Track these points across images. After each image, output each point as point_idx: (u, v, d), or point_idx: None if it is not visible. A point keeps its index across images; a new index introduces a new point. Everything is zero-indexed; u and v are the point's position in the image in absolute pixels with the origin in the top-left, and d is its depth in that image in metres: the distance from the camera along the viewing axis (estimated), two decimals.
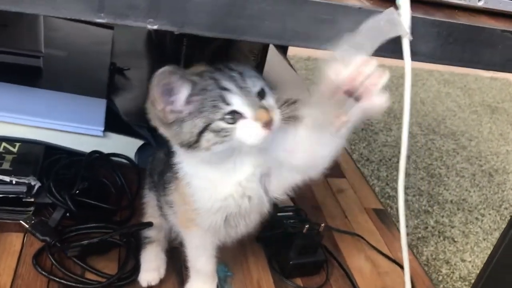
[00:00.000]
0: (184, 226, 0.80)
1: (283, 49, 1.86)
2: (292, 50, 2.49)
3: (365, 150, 1.86)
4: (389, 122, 2.11)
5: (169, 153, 0.74)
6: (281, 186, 0.73)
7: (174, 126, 0.64)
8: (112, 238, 0.88)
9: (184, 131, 0.64)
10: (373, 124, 2.04)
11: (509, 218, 0.74)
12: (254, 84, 0.65)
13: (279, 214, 0.96)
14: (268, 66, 1.36)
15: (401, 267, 1.04)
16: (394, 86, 2.46)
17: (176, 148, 0.71)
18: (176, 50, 1.25)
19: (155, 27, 0.49)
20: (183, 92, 0.63)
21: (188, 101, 0.63)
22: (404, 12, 0.52)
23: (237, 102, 0.63)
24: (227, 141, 0.63)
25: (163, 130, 0.67)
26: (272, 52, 1.57)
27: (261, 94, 0.66)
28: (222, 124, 0.63)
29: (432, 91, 2.53)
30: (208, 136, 0.63)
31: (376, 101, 0.55)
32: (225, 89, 0.63)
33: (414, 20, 0.53)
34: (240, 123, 0.63)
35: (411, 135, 2.04)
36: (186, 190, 0.73)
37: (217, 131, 0.63)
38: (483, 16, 0.58)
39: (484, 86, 2.72)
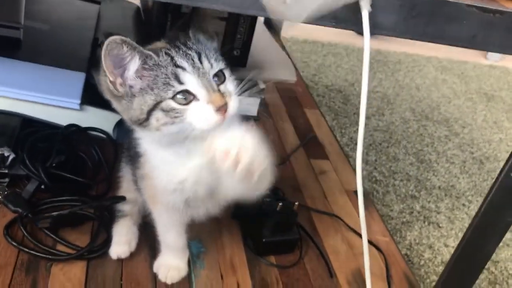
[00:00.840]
0: (150, 202, 0.80)
1: (275, 30, 1.84)
2: (289, 32, 2.47)
3: (355, 134, 1.85)
4: (382, 107, 2.10)
5: None
6: (230, 191, 0.71)
7: (124, 100, 0.63)
8: (84, 211, 0.88)
9: (134, 107, 0.62)
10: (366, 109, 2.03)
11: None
12: (212, 66, 0.63)
13: None
14: (255, 45, 1.35)
15: (378, 249, 1.04)
16: (390, 72, 2.46)
17: (128, 123, 0.69)
18: (161, 26, 1.25)
19: None
20: (133, 64, 0.61)
21: (139, 76, 0.61)
22: None
23: (191, 81, 0.61)
24: (177, 123, 0.61)
25: (114, 104, 0.65)
26: (261, 30, 1.55)
27: (220, 77, 0.64)
28: (173, 104, 0.61)
29: (429, 77, 2.50)
30: (157, 115, 0.61)
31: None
32: (179, 67, 0.61)
33: None
34: (192, 105, 0.61)
35: (404, 121, 2.03)
36: (146, 168, 0.73)
37: (167, 111, 0.61)
38: None
39: (482, 74, 2.70)
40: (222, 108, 0.61)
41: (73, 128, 1.01)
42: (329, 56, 2.45)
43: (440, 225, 1.51)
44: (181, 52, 0.62)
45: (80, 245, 0.85)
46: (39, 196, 0.91)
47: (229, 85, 0.65)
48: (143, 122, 0.62)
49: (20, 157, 0.91)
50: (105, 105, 1.04)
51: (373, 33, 0.53)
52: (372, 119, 1.98)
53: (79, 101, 1.00)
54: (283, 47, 1.78)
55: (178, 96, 0.61)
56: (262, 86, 1.32)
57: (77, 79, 1.04)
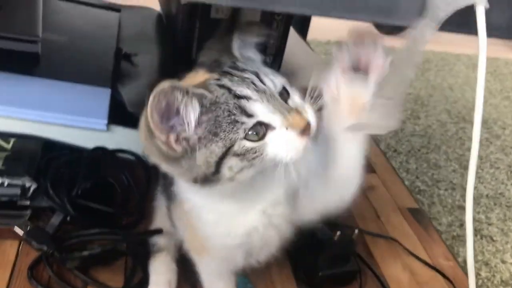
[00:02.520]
0: (194, 252, 0.69)
1: (302, 34, 1.75)
2: (311, 34, 2.37)
3: (392, 140, 1.74)
4: (416, 109, 1.98)
5: None
6: (311, 207, 0.60)
7: (183, 160, 0.50)
8: (117, 246, 0.79)
9: (198, 163, 0.50)
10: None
11: None
12: (274, 83, 0.52)
13: None
14: (288, 51, 1.25)
15: (443, 275, 0.93)
16: (419, 72, 2.33)
17: (184, 184, 0.58)
18: (188, 34, 1.15)
19: None
20: (191, 113, 0.48)
21: (197, 123, 0.49)
22: None
23: (261, 110, 0.50)
24: (256, 164, 0.50)
25: (170, 169, 0.53)
26: (292, 36, 1.45)
27: (284, 94, 0.52)
28: (248, 144, 0.49)
29: (461, 76, 2.39)
30: (230, 163, 0.49)
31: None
32: (242, 97, 0.50)
33: None
34: (270, 137, 0.50)
35: (441, 124, 1.91)
36: (194, 222, 0.60)
37: (242, 154, 0.49)
38: None
39: None
40: (306, 128, 0.50)
41: (100, 151, 0.91)
42: None
43: (494, 238, 1.39)
44: (235, 78, 0.51)
45: (113, 285, 0.75)
46: (64, 229, 0.81)
47: (296, 98, 0.54)
48: (212, 176, 0.50)
49: (43, 187, 0.81)
50: (134, 123, 0.96)
51: (488, 36, 0.42)
52: (407, 123, 1.87)
53: (105, 121, 0.91)
54: (312, 50, 1.68)
55: (250, 132, 0.49)
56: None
57: (102, 96, 0.95)
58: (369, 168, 1.18)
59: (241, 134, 0.49)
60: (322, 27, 1.81)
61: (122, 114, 0.94)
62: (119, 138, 0.93)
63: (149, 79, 1.12)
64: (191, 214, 0.60)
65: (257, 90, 0.50)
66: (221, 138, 0.49)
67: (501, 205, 1.53)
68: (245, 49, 0.56)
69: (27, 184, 0.80)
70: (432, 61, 2.47)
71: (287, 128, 0.50)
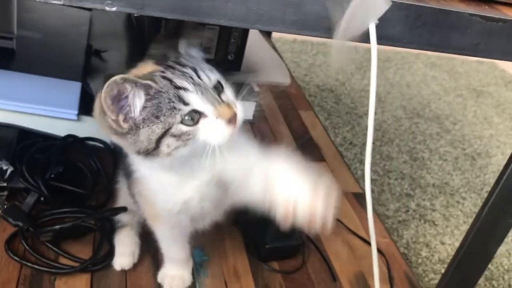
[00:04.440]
0: (151, 220, 0.79)
1: (268, 33, 1.84)
2: (277, 33, 2.48)
3: (349, 133, 1.86)
4: None
5: None
6: (238, 198, 0.71)
7: (129, 135, 0.60)
8: (86, 222, 0.88)
9: (141, 139, 0.59)
10: (357, 108, 2.04)
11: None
12: (210, 78, 0.62)
13: None
14: (249, 48, 1.35)
15: (379, 251, 1.04)
16: (379, 70, 2.46)
17: (132, 156, 0.68)
18: (154, 33, 1.24)
19: (114, 9, 0.48)
20: (137, 100, 0.58)
21: (143, 107, 0.59)
22: None
23: (195, 100, 0.59)
24: (189, 144, 0.60)
25: (118, 141, 0.63)
26: (254, 33, 1.55)
27: (218, 88, 0.63)
28: (183, 127, 0.59)
29: (419, 74, 2.52)
30: (168, 141, 0.59)
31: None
32: (181, 88, 0.59)
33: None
34: (202, 123, 0.60)
35: (395, 119, 2.04)
36: (145, 191, 0.71)
37: (178, 135, 0.59)
38: None
39: (471, 70, 2.72)
40: (232, 119, 0.60)
41: (71, 139, 1.00)
42: (319, 56, 2.45)
43: (436, 223, 1.52)
44: (177, 72, 0.61)
45: (83, 257, 0.84)
46: (38, 208, 0.90)
47: (229, 93, 0.64)
48: (152, 151, 0.60)
49: (18, 170, 0.90)
50: None
51: (380, 43, 0.53)
52: (364, 118, 1.99)
53: (76, 112, 1.00)
54: (275, 49, 1.78)
55: (186, 117, 0.59)
56: (256, 89, 1.32)
57: (73, 88, 1.03)
58: (320, 157, 1.29)
59: (178, 119, 0.59)
60: None
61: (92, 106, 1.03)
62: (89, 127, 1.02)
63: (118, 73, 1.20)
64: (142, 183, 0.70)
65: (194, 83, 0.60)
66: (161, 121, 0.59)
67: (445, 193, 1.67)
68: (189, 47, 0.66)
69: (4, 167, 0.89)
70: (392, 60, 2.60)
71: (217, 117, 0.60)
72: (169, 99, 0.59)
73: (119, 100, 0.58)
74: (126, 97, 0.58)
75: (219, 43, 1.29)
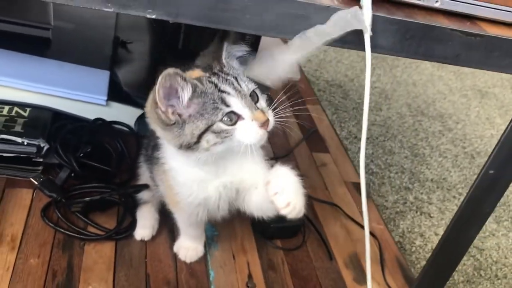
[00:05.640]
0: (172, 206, 0.89)
1: None
2: None
3: (354, 128, 1.95)
4: (379, 102, 2.20)
5: None
6: (254, 207, 0.80)
7: (175, 128, 0.69)
8: (111, 197, 0.99)
9: (186, 132, 0.68)
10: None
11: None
12: (248, 87, 0.71)
13: None
14: (262, 44, 1.44)
15: (373, 235, 1.14)
16: (388, 67, 2.55)
17: (168, 147, 0.76)
18: (176, 25, 1.34)
19: (153, 16, 0.58)
20: (185, 94, 0.67)
21: (189, 104, 0.68)
22: (366, 11, 0.60)
23: (235, 104, 0.69)
24: (226, 142, 0.69)
25: (162, 133, 0.72)
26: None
27: (254, 97, 0.72)
28: (222, 125, 0.68)
29: (426, 73, 2.60)
30: (208, 137, 0.68)
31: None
32: (224, 92, 0.69)
33: (376, 18, 0.61)
34: (239, 124, 0.69)
35: (400, 116, 2.13)
36: (171, 181, 0.80)
37: (217, 132, 0.68)
38: (440, 15, 0.67)
39: (477, 71, 2.78)
40: (265, 123, 0.69)
41: (99, 122, 1.10)
42: (330, 52, 2.54)
43: (431, 215, 1.62)
44: (221, 78, 0.70)
45: (108, 227, 0.95)
46: (69, 182, 1.01)
47: (263, 102, 0.73)
48: (193, 145, 0.69)
49: (53, 148, 1.01)
50: (127, 101, 1.16)
51: (374, 52, 0.63)
52: (369, 113, 2.08)
53: (105, 98, 1.10)
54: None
55: (225, 118, 0.68)
56: (268, 83, 1.41)
57: (103, 76, 1.14)
58: (324, 149, 1.39)
59: (219, 117, 0.68)
60: None
61: (119, 93, 1.14)
62: (116, 112, 1.13)
63: (142, 63, 1.31)
64: (169, 174, 0.80)
65: (235, 89, 0.70)
66: (205, 118, 0.68)
67: (443, 188, 1.76)
68: (231, 59, 0.75)
69: (42, 144, 0.99)
70: (401, 58, 2.67)
71: (252, 120, 0.69)
72: (213, 100, 0.68)
73: (170, 94, 0.67)
74: (176, 91, 0.67)
75: (235, 40, 1.38)
